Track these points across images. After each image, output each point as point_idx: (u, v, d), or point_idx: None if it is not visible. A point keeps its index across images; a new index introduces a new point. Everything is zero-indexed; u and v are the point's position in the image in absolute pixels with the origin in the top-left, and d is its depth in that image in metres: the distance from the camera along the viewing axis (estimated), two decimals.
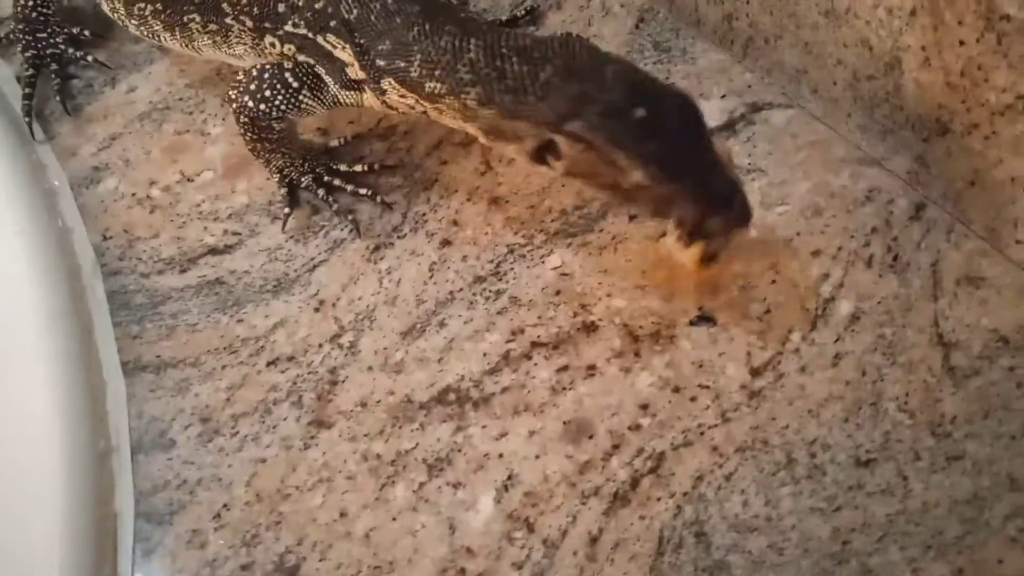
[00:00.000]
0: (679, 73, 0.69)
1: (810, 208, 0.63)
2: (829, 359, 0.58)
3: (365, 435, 0.57)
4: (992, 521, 0.52)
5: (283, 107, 0.61)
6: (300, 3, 0.60)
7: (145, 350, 0.60)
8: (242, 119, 0.61)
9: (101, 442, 0.57)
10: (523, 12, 0.72)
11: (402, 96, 0.58)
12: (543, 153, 0.55)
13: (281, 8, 0.61)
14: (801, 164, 0.64)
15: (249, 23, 0.62)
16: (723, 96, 0.68)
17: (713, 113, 0.67)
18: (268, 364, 0.60)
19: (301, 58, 0.62)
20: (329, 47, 0.60)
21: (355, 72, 0.60)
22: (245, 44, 0.64)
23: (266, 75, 0.61)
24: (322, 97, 0.62)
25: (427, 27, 0.56)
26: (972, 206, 0.60)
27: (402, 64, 0.57)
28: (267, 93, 0.61)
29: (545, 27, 0.73)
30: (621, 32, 0.72)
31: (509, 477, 0.55)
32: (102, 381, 0.59)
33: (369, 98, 0.61)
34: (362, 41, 0.58)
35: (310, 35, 0.61)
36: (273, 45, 0.63)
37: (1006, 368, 0.56)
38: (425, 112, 0.59)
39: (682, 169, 0.53)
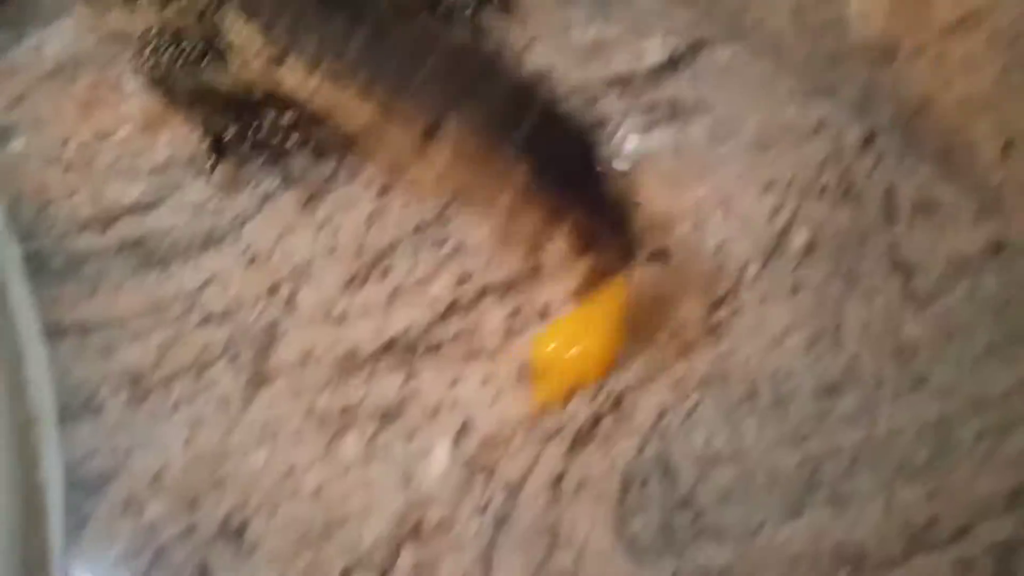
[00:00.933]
0: (617, 13, 0.69)
1: (759, 142, 0.63)
2: (787, 290, 0.58)
3: (309, 389, 0.55)
4: (961, 443, 0.53)
5: (184, 65, 0.60)
6: None
7: (66, 313, 0.58)
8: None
9: (21, 412, 0.54)
10: None
11: None
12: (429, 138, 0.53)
13: None
14: (747, 99, 0.64)
15: None
16: (665, 34, 0.67)
17: (655, 52, 0.67)
18: (200, 322, 0.57)
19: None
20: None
21: None
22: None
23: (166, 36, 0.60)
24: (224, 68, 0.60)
25: None
26: (922, 132, 0.61)
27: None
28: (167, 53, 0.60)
29: None
30: None
31: (464, 424, 0.54)
32: (19, 350, 0.56)
33: None
34: None
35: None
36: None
37: (965, 291, 0.57)
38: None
39: (576, 184, 0.52)
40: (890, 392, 0.54)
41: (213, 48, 0.59)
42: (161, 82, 0.60)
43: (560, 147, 0.52)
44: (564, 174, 0.52)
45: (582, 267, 0.52)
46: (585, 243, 0.52)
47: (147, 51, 0.60)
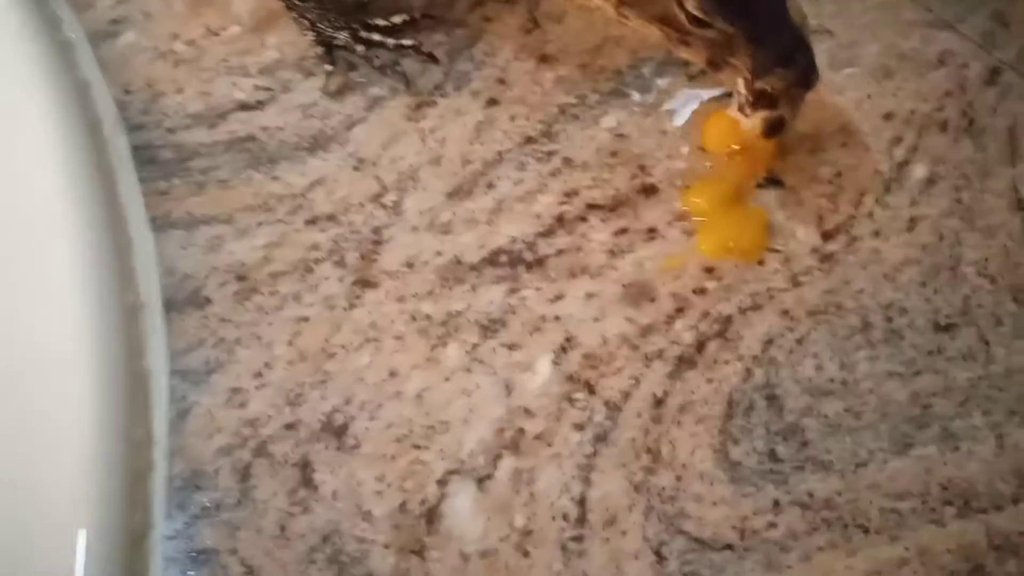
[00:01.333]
0: None
1: (880, 70, 0.60)
2: (904, 223, 0.55)
3: (413, 295, 0.55)
4: None
5: None
6: None
7: (174, 206, 0.57)
8: None
9: (129, 297, 0.54)
10: None
11: None
12: None
13: None
14: (869, 26, 0.62)
15: None
16: None
17: None
18: (307, 223, 0.57)
19: None
20: None
21: None
22: None
23: None
24: None
25: None
26: None
27: None
28: None
29: None
30: None
31: (567, 339, 0.53)
32: (128, 236, 0.56)
33: None
34: None
35: None
36: None
37: None
38: None
39: (742, 9, 0.50)
40: (1008, 331, 0.53)
41: None
42: None
43: None
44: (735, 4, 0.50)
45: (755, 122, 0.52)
46: (757, 96, 0.51)
47: None
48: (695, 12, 0.50)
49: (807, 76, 0.51)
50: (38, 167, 0.57)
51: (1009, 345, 0.52)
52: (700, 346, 0.53)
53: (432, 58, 0.61)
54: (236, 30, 0.64)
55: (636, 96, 0.60)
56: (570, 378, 0.52)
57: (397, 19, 0.62)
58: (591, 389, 0.52)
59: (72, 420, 0.50)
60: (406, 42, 0.61)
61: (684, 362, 0.52)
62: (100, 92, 0.61)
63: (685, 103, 0.60)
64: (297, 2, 0.61)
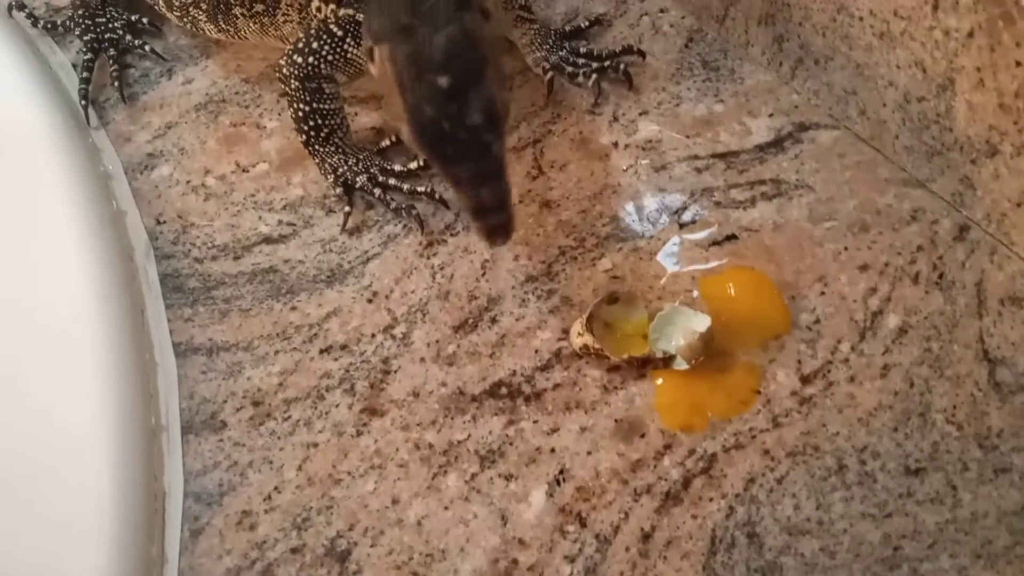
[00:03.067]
0: (727, 91, 0.69)
1: (857, 224, 0.62)
2: (878, 370, 0.57)
3: (418, 424, 0.56)
4: None
5: (330, 57, 0.61)
6: None
7: (198, 333, 0.59)
8: (292, 84, 0.61)
9: (151, 420, 0.55)
10: (587, 23, 0.72)
11: None
12: (371, 52, 0.54)
13: None
14: (847, 182, 0.64)
15: None
16: (771, 115, 0.68)
17: (761, 131, 0.67)
18: (321, 351, 0.58)
19: (342, 12, 0.62)
20: None
21: None
22: (292, 20, 0.65)
23: (312, 32, 0.62)
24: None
25: None
26: (1016, 227, 0.60)
27: None
28: (314, 45, 0.61)
29: (596, 42, 0.73)
30: (671, 50, 0.72)
31: (561, 471, 0.54)
32: (153, 361, 0.58)
33: None
34: None
35: None
36: (319, 9, 0.63)
37: None
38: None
39: (446, 154, 0.50)
40: (973, 477, 0.53)
41: (354, 22, 0.61)
42: (306, 83, 0.61)
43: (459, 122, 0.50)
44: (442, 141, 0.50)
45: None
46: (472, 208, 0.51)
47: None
48: (411, 146, 0.52)
49: (492, 237, 0.51)
50: (73, 290, 0.59)
51: (975, 491, 0.53)
52: (686, 483, 0.54)
53: (443, 203, 0.63)
54: (264, 167, 0.66)
55: (631, 242, 0.62)
56: (563, 510, 0.53)
57: (412, 165, 0.64)
58: (583, 522, 0.53)
59: (90, 536, 0.51)
60: (420, 188, 0.63)
61: (671, 498, 0.53)
62: (134, 221, 0.64)
63: (676, 249, 0.62)
64: (319, 147, 0.63)
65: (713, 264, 0.61)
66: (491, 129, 0.50)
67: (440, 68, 0.49)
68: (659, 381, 0.57)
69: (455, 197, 0.55)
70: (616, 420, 0.56)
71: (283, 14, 0.64)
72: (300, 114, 0.62)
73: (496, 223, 0.51)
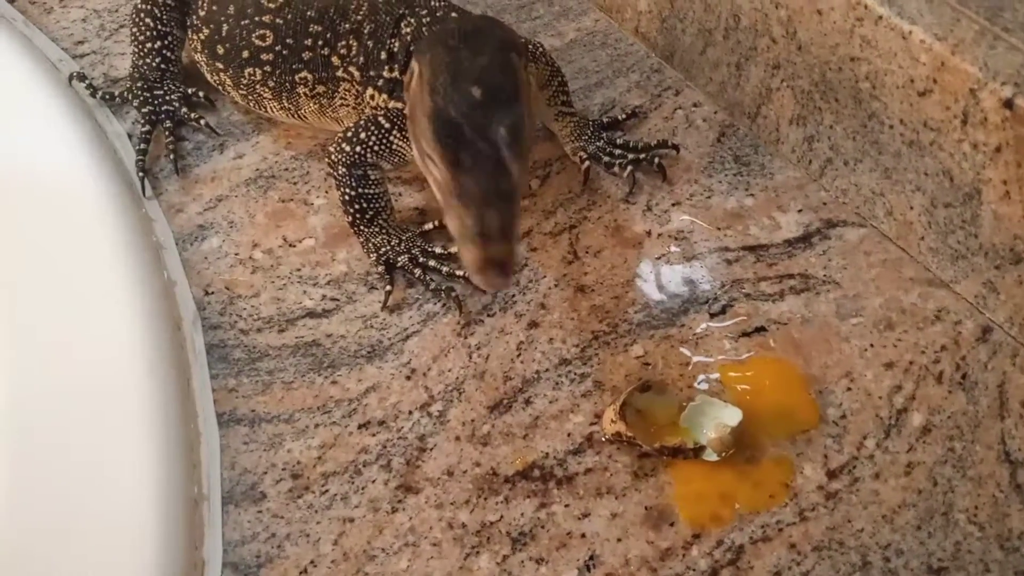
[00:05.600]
0: (758, 186, 0.70)
1: (883, 322, 0.63)
2: (902, 467, 0.57)
3: (451, 503, 0.56)
4: None
5: (376, 147, 0.63)
6: (395, 48, 0.63)
7: (241, 403, 0.60)
8: (340, 170, 0.63)
9: (193, 489, 0.56)
10: (624, 115, 0.74)
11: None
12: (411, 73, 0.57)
13: (383, 56, 0.64)
14: (874, 280, 0.65)
15: (356, 74, 0.65)
16: (799, 211, 0.69)
17: (790, 226, 0.68)
18: (360, 426, 0.59)
19: (392, 104, 0.64)
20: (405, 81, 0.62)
21: None
22: (348, 105, 0.67)
23: (361, 123, 0.64)
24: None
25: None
26: None
27: None
28: (361, 135, 0.63)
29: (632, 134, 0.74)
30: (703, 144, 0.73)
31: (591, 557, 0.54)
32: (197, 430, 0.58)
33: None
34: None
35: (399, 76, 0.63)
36: (372, 97, 0.65)
37: None
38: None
39: (471, 177, 0.51)
40: None
41: (402, 115, 0.63)
42: (352, 169, 0.63)
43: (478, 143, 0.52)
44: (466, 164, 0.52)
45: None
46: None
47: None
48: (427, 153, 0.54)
49: (486, 270, 0.52)
50: (124, 358, 0.59)
51: None
52: (714, 573, 0.54)
53: (480, 289, 0.64)
54: (310, 243, 0.67)
55: (662, 329, 0.63)
56: None
57: (453, 248, 0.65)
58: None
59: None
60: (458, 272, 0.64)
61: None
62: (183, 292, 0.64)
63: (706, 339, 0.63)
64: (363, 228, 0.64)
65: (744, 355, 0.61)
66: (512, 148, 0.51)
67: (475, 80, 0.52)
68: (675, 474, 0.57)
69: (457, 238, 0.53)
70: (646, 508, 0.56)
71: (341, 98, 0.66)
72: (346, 197, 0.64)
73: (496, 255, 0.51)
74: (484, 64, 0.53)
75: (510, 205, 0.52)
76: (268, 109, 0.70)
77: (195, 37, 0.71)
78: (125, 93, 0.74)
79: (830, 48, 0.64)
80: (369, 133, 0.63)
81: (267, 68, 0.67)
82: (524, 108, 0.53)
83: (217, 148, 0.73)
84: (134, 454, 0.56)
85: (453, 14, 0.64)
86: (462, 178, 0.51)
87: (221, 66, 0.70)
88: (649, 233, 0.68)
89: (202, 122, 0.73)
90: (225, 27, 0.69)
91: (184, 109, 0.73)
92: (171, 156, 0.71)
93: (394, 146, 0.63)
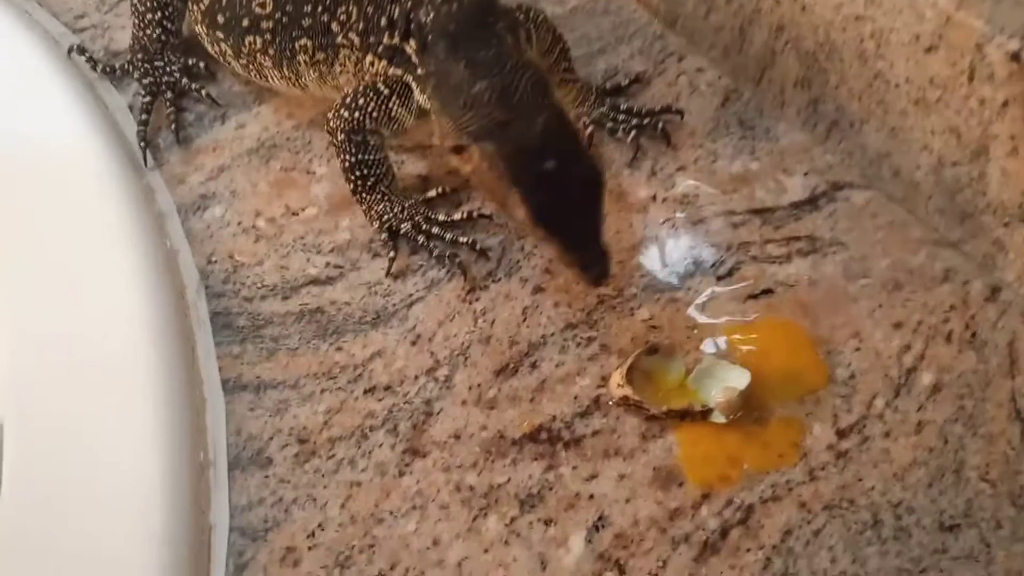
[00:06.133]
0: (763, 150, 0.70)
1: (891, 283, 0.62)
2: (912, 426, 0.57)
3: (459, 466, 0.56)
4: None
5: (375, 114, 0.63)
6: (396, 15, 0.63)
7: (246, 370, 0.59)
8: (339, 136, 0.63)
9: (199, 455, 0.55)
10: (627, 81, 0.73)
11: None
12: (461, 149, 0.58)
13: (383, 22, 0.63)
14: (880, 242, 0.64)
15: (356, 40, 0.65)
16: (805, 174, 0.68)
17: (796, 189, 0.67)
18: (365, 392, 0.58)
19: (392, 71, 0.64)
20: (409, 50, 0.62)
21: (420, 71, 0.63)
22: (348, 71, 0.66)
23: (360, 89, 0.64)
24: (409, 105, 0.63)
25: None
26: None
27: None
28: (360, 101, 0.63)
29: (635, 100, 0.73)
30: (707, 109, 0.72)
31: (600, 518, 0.54)
32: (203, 396, 0.58)
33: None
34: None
35: (399, 43, 0.63)
36: (372, 64, 0.65)
37: None
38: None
39: (560, 227, 0.55)
40: (1007, 535, 0.53)
41: (401, 82, 0.64)
42: (351, 136, 0.63)
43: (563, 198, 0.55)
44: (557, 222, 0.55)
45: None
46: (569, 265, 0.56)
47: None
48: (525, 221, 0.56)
49: (597, 281, 0.56)
50: (128, 326, 0.59)
51: (1008, 548, 0.52)
52: (724, 533, 0.53)
53: (483, 255, 0.63)
54: (313, 211, 0.67)
55: (668, 293, 0.62)
56: (601, 556, 0.52)
57: (457, 215, 0.65)
58: (621, 569, 0.52)
59: (139, 569, 0.50)
60: (462, 239, 0.63)
61: (709, 548, 0.53)
62: (186, 260, 0.64)
63: (713, 302, 0.62)
64: (365, 195, 0.64)
65: (751, 317, 0.61)
66: (590, 192, 0.56)
67: (543, 154, 0.54)
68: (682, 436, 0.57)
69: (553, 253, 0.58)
70: (654, 468, 0.55)
71: (340, 64, 0.66)
72: (347, 164, 0.63)
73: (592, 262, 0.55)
74: (540, 131, 0.55)
75: (593, 218, 0.55)
76: (269, 78, 0.69)
77: (195, 8, 0.70)
78: (126, 65, 0.74)
79: (834, 7, 0.63)
80: (368, 99, 0.62)
81: (267, 36, 0.67)
82: (584, 147, 0.57)
83: (219, 118, 0.72)
84: (140, 421, 0.55)
85: None
86: (561, 242, 0.56)
87: (222, 35, 0.69)
88: (654, 198, 0.67)
89: (203, 92, 0.72)
90: None
91: (185, 80, 0.72)
92: (173, 127, 0.70)
93: (393, 112, 0.63)
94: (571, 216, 0.55)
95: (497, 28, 0.61)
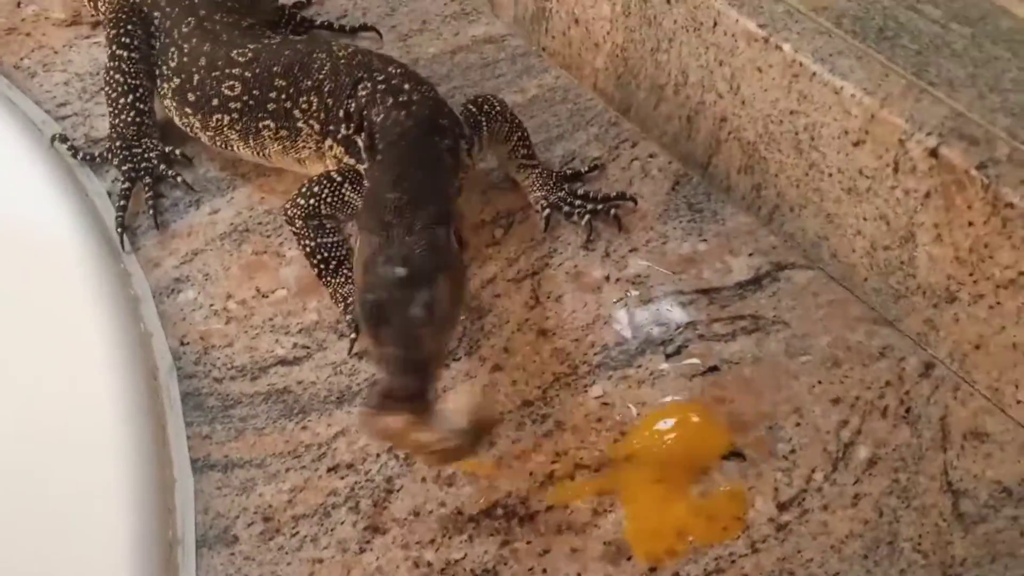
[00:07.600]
0: (710, 232, 0.73)
1: (830, 359, 0.65)
2: (849, 499, 0.59)
3: (417, 543, 0.57)
4: None
5: (329, 199, 0.66)
6: (352, 109, 0.67)
7: (214, 450, 0.61)
8: (297, 224, 0.66)
9: (168, 533, 0.57)
10: (586, 168, 0.76)
11: None
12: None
13: (341, 114, 0.68)
14: (821, 320, 0.67)
15: (317, 127, 0.69)
16: (750, 255, 0.71)
17: (741, 270, 0.70)
18: (329, 470, 0.60)
19: (346, 160, 0.68)
20: (360, 144, 0.67)
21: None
22: (310, 148, 0.71)
23: (314, 179, 0.67)
24: (361, 191, 0.66)
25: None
26: (977, 367, 0.63)
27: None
28: (315, 189, 0.66)
29: (591, 184, 0.76)
30: (659, 192, 0.76)
31: None
32: (172, 476, 0.60)
33: None
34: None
35: (352, 135, 0.67)
36: (331, 147, 0.69)
37: (1010, 517, 0.58)
38: None
39: (388, 350, 0.53)
40: None
41: (354, 171, 0.68)
42: (308, 221, 0.67)
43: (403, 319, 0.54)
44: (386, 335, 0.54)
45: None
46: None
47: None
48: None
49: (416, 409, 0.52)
50: (102, 407, 0.61)
51: None
52: None
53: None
54: (283, 293, 0.69)
55: (620, 370, 0.65)
56: None
57: None
58: None
59: None
60: None
61: None
62: (159, 343, 0.66)
63: (664, 378, 0.65)
64: (330, 279, 0.66)
65: (698, 395, 0.63)
66: (427, 325, 0.53)
67: (401, 260, 0.55)
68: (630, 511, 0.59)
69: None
70: (605, 543, 0.57)
71: (303, 141, 0.70)
72: (307, 250, 0.66)
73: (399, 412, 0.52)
74: (411, 242, 0.57)
75: (422, 375, 0.53)
76: (235, 149, 0.73)
77: (166, 86, 0.74)
78: (104, 153, 0.76)
79: (771, 102, 0.67)
80: (322, 187, 0.66)
81: (235, 115, 0.71)
82: (446, 288, 0.56)
83: (193, 204, 0.75)
84: (111, 499, 0.57)
85: (406, 85, 0.67)
86: (380, 350, 0.54)
87: (190, 111, 0.73)
88: (608, 278, 0.70)
89: (179, 179, 0.75)
90: (196, 77, 0.72)
91: (162, 166, 0.75)
92: (150, 212, 0.73)
93: (346, 198, 0.66)
94: (395, 330, 0.53)
95: (441, 146, 0.66)
